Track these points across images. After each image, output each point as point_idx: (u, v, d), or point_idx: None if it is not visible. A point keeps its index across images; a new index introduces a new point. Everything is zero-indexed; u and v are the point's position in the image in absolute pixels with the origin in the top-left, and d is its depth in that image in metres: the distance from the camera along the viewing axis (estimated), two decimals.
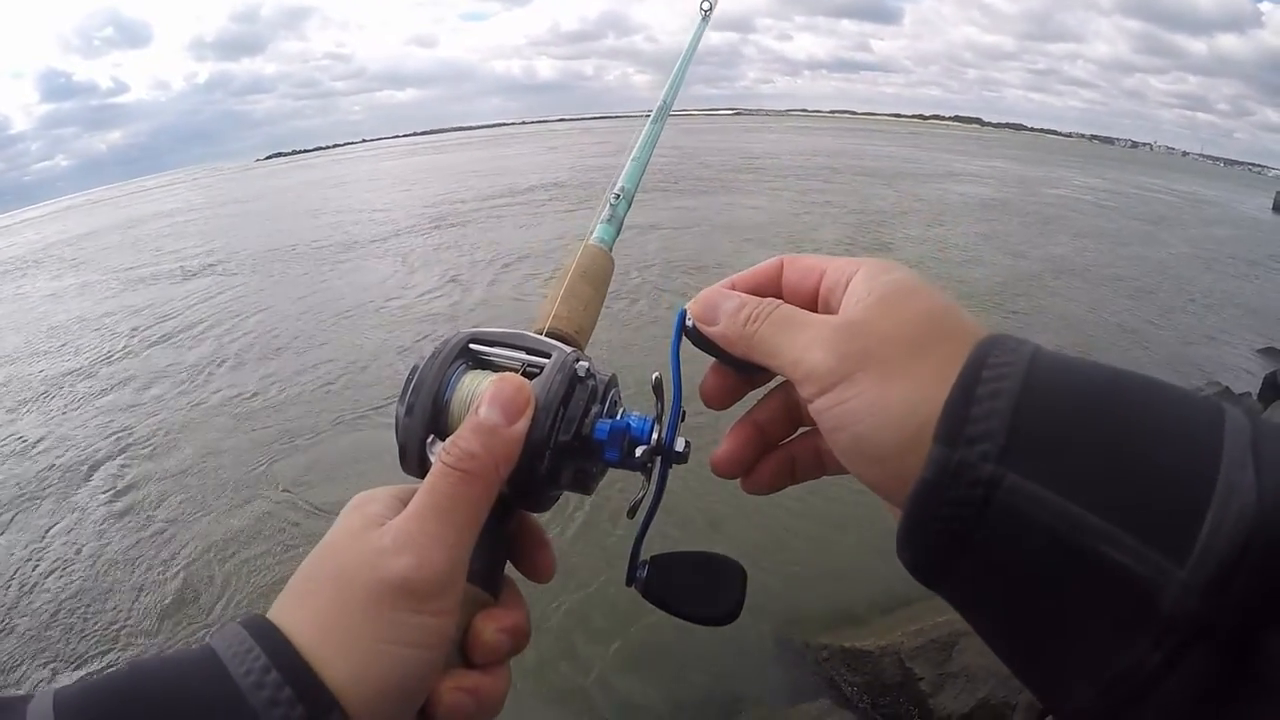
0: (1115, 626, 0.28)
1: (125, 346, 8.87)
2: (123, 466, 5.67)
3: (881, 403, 0.34)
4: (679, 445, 0.45)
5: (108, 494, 5.26)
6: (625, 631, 3.54)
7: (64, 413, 6.92)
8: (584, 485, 0.46)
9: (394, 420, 0.45)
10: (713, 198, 17.68)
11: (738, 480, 0.47)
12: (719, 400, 0.46)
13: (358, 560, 0.37)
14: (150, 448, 5.93)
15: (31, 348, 9.43)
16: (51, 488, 5.47)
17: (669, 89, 0.74)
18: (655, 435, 0.44)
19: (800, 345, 0.38)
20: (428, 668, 0.37)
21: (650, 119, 0.69)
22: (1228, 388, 5.98)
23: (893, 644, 3.31)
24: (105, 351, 8.74)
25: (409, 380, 0.45)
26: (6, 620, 4.06)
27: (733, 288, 0.44)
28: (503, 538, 0.45)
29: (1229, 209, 24.17)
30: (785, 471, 0.46)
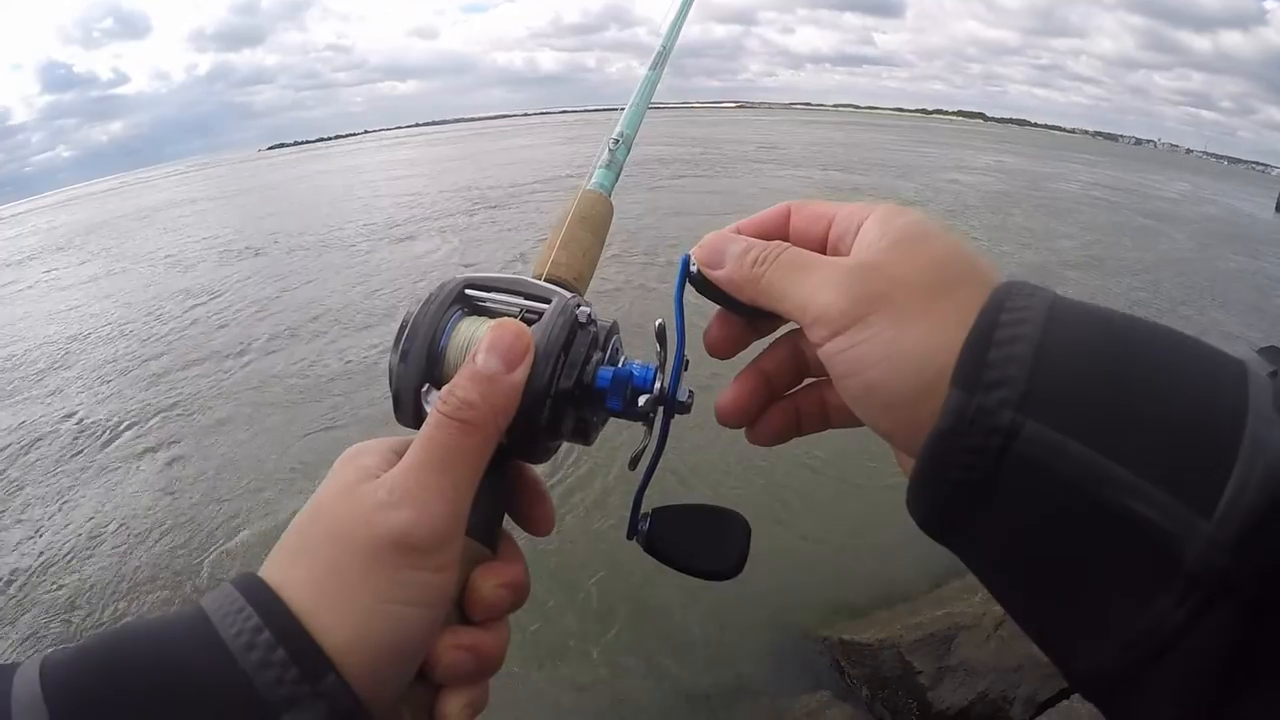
0: (1136, 582, 0.27)
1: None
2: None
3: (896, 346, 0.33)
4: (682, 394, 0.43)
5: None
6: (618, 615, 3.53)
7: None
8: (584, 435, 0.45)
9: (388, 368, 0.43)
10: (740, 179, 18.08)
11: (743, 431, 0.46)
12: (724, 349, 0.45)
13: (353, 515, 0.36)
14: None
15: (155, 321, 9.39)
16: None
17: (669, 32, 0.70)
18: (658, 384, 0.43)
19: (810, 287, 0.36)
20: (427, 626, 0.36)
21: (649, 65, 0.67)
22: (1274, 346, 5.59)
23: (891, 637, 3.32)
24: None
25: (402, 327, 0.43)
26: None
27: (739, 233, 0.43)
28: (501, 490, 0.44)
29: (1232, 208, 24.23)
30: (791, 423, 0.45)
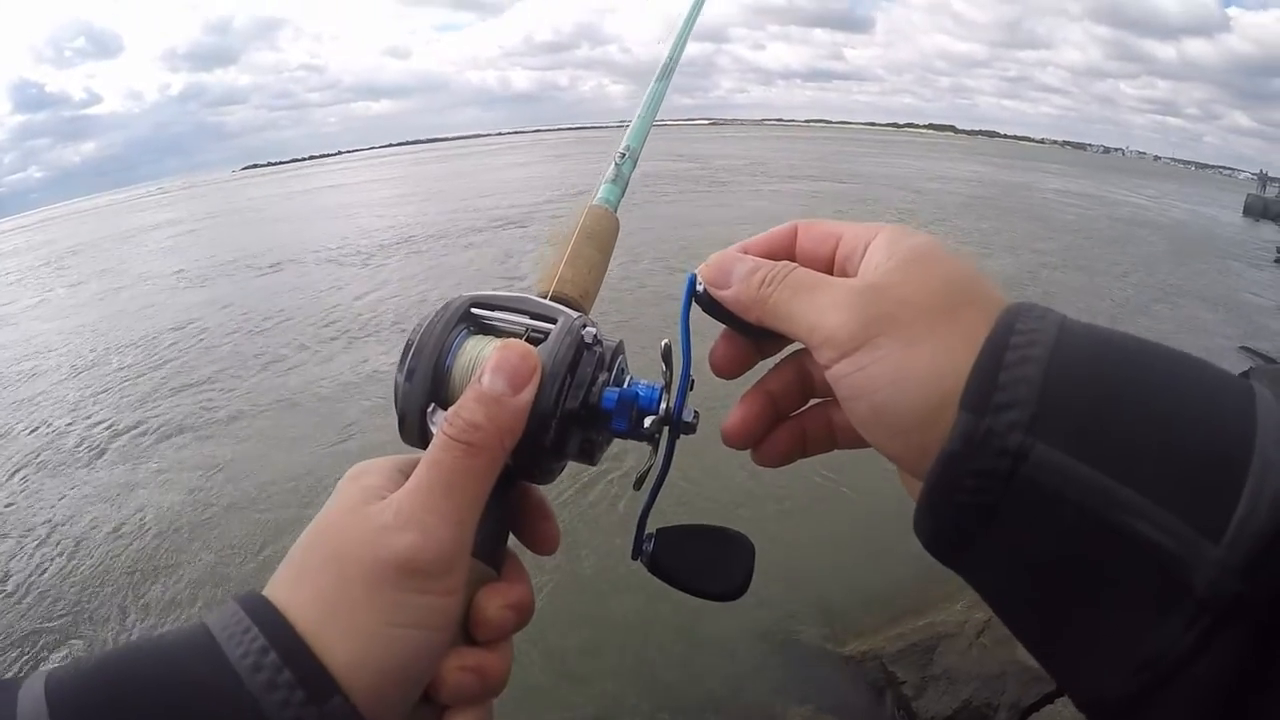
0: (1145, 606, 0.27)
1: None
2: None
3: (904, 369, 0.33)
4: (688, 415, 0.43)
5: None
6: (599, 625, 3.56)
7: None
8: (590, 456, 0.45)
9: (393, 387, 0.43)
10: (739, 193, 18.81)
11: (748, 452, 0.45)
12: (729, 369, 0.45)
13: (358, 538, 0.36)
14: None
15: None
16: None
17: (674, 45, 0.70)
18: (664, 404, 0.43)
19: (818, 309, 0.36)
20: (433, 649, 0.36)
21: (655, 77, 0.66)
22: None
23: (874, 648, 3.34)
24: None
25: (408, 346, 0.43)
26: None
27: (745, 252, 0.42)
28: (506, 510, 0.43)
29: (1201, 213, 24.85)
30: (797, 444, 0.44)
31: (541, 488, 0.46)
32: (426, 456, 0.38)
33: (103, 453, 6.18)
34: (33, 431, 6.83)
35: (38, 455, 6.29)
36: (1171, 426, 0.28)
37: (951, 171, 32.07)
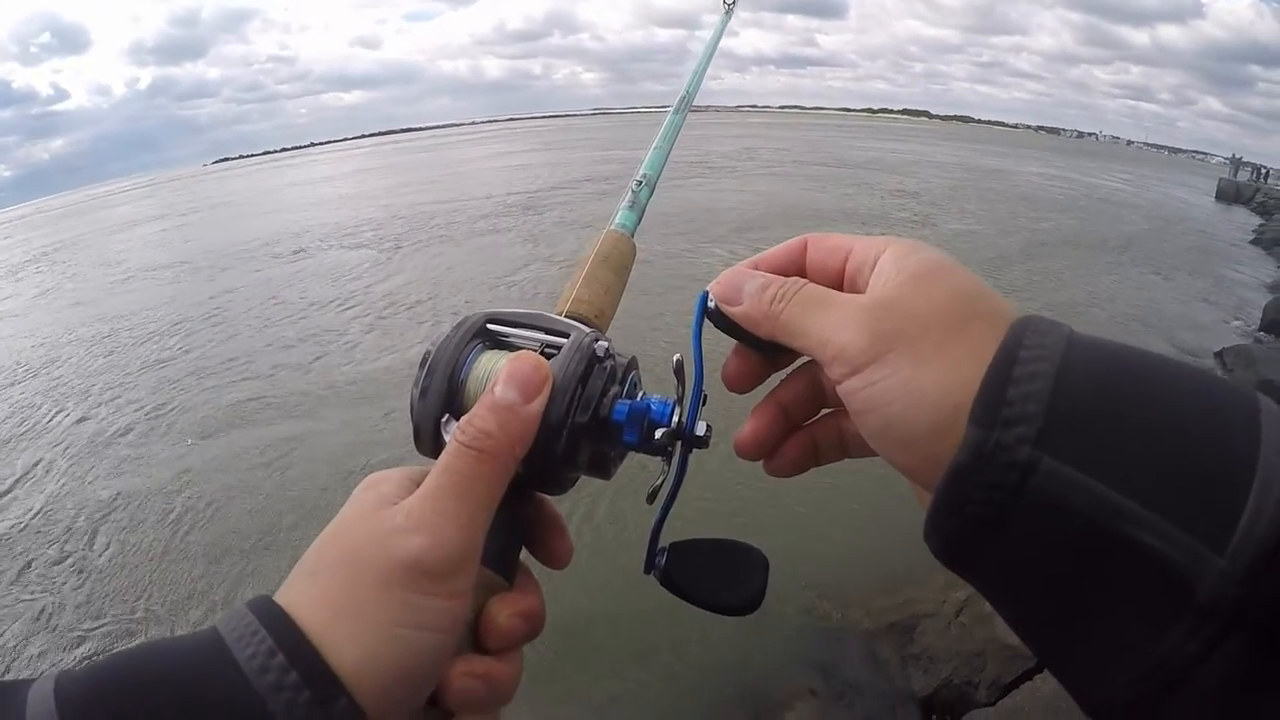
0: (1150, 615, 0.27)
1: None
2: None
3: (915, 384, 0.34)
4: (700, 429, 0.43)
5: None
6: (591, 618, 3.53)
7: None
8: (602, 468, 0.45)
9: (409, 403, 0.43)
10: (748, 177, 19.34)
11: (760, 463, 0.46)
12: (741, 383, 0.45)
13: (369, 539, 0.36)
14: None
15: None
16: None
17: (691, 81, 0.74)
18: (675, 418, 0.43)
19: (829, 325, 0.37)
20: (439, 651, 0.36)
21: (673, 110, 0.69)
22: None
23: (855, 625, 3.38)
24: None
25: (424, 362, 0.44)
26: None
27: (756, 268, 0.43)
28: (518, 521, 0.44)
29: (1176, 196, 25.27)
30: (809, 454, 0.45)
31: (556, 503, 0.47)
32: (439, 463, 0.38)
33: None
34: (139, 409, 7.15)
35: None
36: (1177, 439, 0.29)
37: (937, 156, 32.55)
